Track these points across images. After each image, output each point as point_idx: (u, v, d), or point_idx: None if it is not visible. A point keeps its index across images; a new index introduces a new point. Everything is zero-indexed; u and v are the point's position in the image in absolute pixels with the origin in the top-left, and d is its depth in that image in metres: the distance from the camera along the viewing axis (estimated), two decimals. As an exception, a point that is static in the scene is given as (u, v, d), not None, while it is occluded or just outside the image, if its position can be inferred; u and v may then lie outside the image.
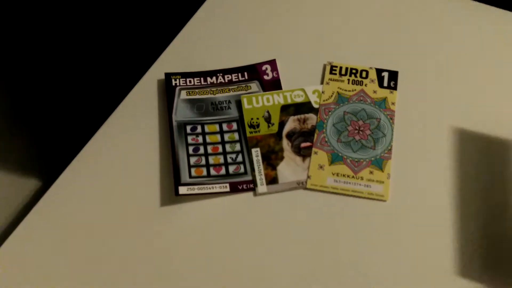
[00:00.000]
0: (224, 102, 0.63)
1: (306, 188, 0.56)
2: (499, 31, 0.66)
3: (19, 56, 0.59)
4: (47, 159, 0.67)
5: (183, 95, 0.63)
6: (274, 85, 0.64)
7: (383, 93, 0.61)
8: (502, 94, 0.62)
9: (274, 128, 0.61)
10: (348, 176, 0.57)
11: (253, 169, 0.58)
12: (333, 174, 0.57)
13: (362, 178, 0.56)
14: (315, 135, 0.60)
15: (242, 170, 0.58)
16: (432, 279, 0.50)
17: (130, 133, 0.61)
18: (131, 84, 0.65)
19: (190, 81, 0.64)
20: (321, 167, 0.57)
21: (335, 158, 0.58)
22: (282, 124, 0.61)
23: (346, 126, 0.60)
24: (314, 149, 0.59)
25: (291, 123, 0.61)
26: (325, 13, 0.70)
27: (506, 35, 0.66)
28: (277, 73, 0.65)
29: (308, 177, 0.57)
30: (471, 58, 0.64)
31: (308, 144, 0.59)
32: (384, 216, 0.54)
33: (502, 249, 0.51)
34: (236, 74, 0.65)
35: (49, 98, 0.67)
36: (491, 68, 0.63)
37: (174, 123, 0.61)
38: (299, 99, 0.63)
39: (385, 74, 0.62)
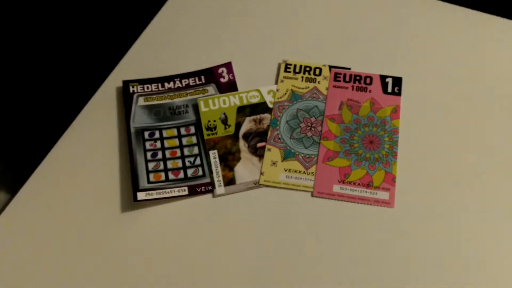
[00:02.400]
0: (182, 107, 0.64)
1: (260, 185, 0.58)
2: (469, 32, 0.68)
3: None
4: (11, 171, 0.69)
5: (141, 101, 0.65)
6: (231, 87, 0.66)
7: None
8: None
9: (231, 130, 0.62)
10: (299, 171, 0.58)
11: (211, 171, 0.60)
12: (285, 170, 0.59)
13: (312, 174, 0.58)
14: (269, 133, 0.61)
15: (200, 172, 0.60)
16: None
17: (89, 142, 0.62)
18: (91, 93, 0.66)
19: (147, 88, 0.66)
20: (274, 163, 0.59)
21: (287, 155, 0.60)
22: (238, 125, 0.63)
23: (299, 123, 0.62)
24: (267, 146, 0.60)
25: (247, 124, 0.63)
26: (279, 13, 0.71)
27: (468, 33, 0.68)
28: (233, 75, 0.66)
29: (262, 173, 0.59)
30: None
31: (263, 144, 0.61)
32: (332, 210, 0.56)
33: None
34: (193, 78, 0.67)
35: (10, 110, 0.68)
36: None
37: (132, 130, 0.62)
38: (254, 100, 0.64)
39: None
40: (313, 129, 0.61)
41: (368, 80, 0.64)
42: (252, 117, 0.63)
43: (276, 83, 0.65)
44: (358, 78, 0.64)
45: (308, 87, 0.64)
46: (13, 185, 0.65)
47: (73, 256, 0.55)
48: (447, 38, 0.67)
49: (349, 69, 0.65)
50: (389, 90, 0.62)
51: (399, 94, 0.62)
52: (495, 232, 0.53)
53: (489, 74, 0.64)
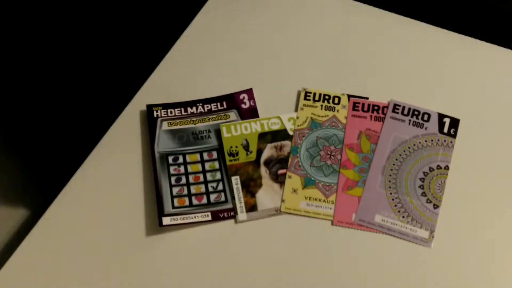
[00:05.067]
0: (205, 132, 0.66)
1: (281, 212, 0.60)
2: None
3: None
4: (35, 190, 0.70)
5: (165, 126, 0.66)
6: (252, 113, 0.67)
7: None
8: None
9: (253, 156, 0.64)
10: (319, 199, 0.60)
11: (233, 197, 0.61)
12: (305, 198, 0.61)
13: (332, 202, 0.60)
14: (290, 160, 0.63)
15: (222, 198, 0.61)
16: None
17: (114, 166, 0.64)
18: (115, 116, 0.68)
19: (171, 112, 0.67)
20: (294, 191, 0.61)
21: (308, 182, 0.62)
22: (260, 152, 0.64)
23: (319, 151, 0.64)
24: (288, 173, 0.62)
25: (269, 151, 0.64)
26: (299, 41, 0.73)
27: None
28: (254, 102, 0.68)
29: (283, 201, 0.61)
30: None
31: (284, 171, 0.63)
32: (352, 239, 0.58)
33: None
34: (215, 104, 0.68)
35: (37, 129, 0.70)
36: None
37: (157, 155, 0.64)
38: (275, 127, 0.66)
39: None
40: (332, 157, 0.63)
41: (385, 110, 0.66)
42: (273, 144, 0.65)
43: (296, 110, 0.67)
44: (376, 108, 0.66)
45: (328, 116, 0.66)
46: (38, 207, 0.66)
47: (98, 278, 0.57)
48: (454, 67, 0.69)
49: (367, 98, 0.67)
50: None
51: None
52: None
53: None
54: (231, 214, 0.60)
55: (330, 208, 0.60)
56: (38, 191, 0.71)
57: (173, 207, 0.60)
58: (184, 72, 0.71)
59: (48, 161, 0.72)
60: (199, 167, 0.64)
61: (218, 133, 0.66)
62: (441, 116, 0.64)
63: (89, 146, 0.67)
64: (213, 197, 0.61)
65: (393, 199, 0.59)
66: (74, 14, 0.68)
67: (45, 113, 0.70)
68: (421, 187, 0.60)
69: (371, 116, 0.66)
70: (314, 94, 0.68)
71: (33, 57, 0.65)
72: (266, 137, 0.65)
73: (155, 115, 0.67)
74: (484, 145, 0.62)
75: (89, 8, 0.70)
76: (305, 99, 0.68)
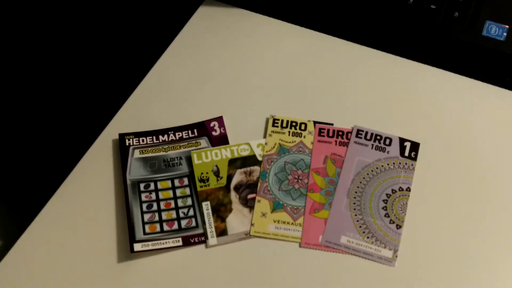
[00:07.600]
0: (176, 159, 0.68)
1: (251, 236, 0.61)
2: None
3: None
4: (6, 219, 0.70)
5: (137, 154, 0.68)
6: (222, 140, 0.70)
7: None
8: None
9: (223, 182, 0.66)
10: (288, 223, 0.62)
11: (204, 222, 0.63)
12: (274, 221, 0.62)
13: (300, 225, 0.62)
14: (259, 184, 0.65)
15: (193, 223, 0.63)
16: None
17: (87, 194, 0.65)
18: (87, 145, 0.69)
19: (143, 140, 0.69)
20: (263, 214, 0.63)
21: (276, 206, 0.64)
22: (230, 177, 0.66)
23: (287, 175, 0.66)
24: (257, 198, 0.64)
25: (238, 176, 0.66)
26: (268, 70, 0.76)
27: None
28: (224, 129, 0.70)
29: (252, 224, 0.62)
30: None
31: (254, 195, 0.65)
32: (320, 261, 0.60)
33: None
34: (186, 131, 0.70)
35: (7, 161, 0.71)
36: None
37: (128, 182, 0.65)
38: (245, 153, 0.68)
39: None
40: (300, 181, 0.66)
41: (349, 136, 0.69)
42: (242, 170, 0.67)
43: (265, 137, 0.70)
44: (340, 133, 0.69)
45: (295, 141, 0.69)
46: (9, 234, 0.66)
47: (70, 307, 0.57)
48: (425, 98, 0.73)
49: (332, 124, 0.70)
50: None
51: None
52: None
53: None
54: (202, 239, 0.62)
55: (298, 231, 0.62)
56: (11, 221, 0.72)
57: (145, 233, 0.61)
58: (156, 101, 0.73)
59: (20, 192, 0.73)
60: (170, 193, 0.65)
61: (189, 160, 0.68)
62: (402, 140, 0.67)
63: (62, 175, 0.68)
64: (184, 222, 0.63)
65: (358, 221, 0.62)
66: (42, 45, 0.70)
67: (19, 141, 0.71)
68: (384, 208, 0.62)
69: (336, 141, 0.69)
70: (282, 121, 0.71)
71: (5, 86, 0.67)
72: (236, 163, 0.67)
73: (127, 144, 0.69)
74: (443, 166, 0.66)
75: (58, 44, 0.72)
76: (273, 125, 0.70)
